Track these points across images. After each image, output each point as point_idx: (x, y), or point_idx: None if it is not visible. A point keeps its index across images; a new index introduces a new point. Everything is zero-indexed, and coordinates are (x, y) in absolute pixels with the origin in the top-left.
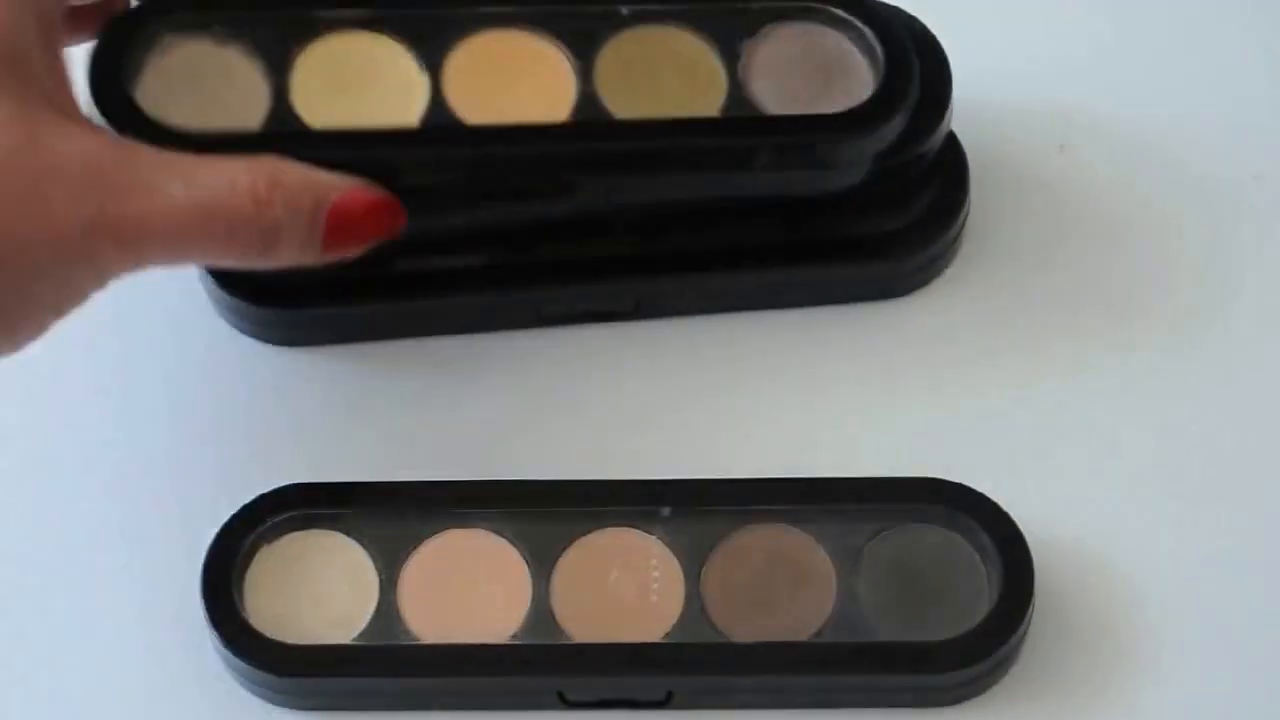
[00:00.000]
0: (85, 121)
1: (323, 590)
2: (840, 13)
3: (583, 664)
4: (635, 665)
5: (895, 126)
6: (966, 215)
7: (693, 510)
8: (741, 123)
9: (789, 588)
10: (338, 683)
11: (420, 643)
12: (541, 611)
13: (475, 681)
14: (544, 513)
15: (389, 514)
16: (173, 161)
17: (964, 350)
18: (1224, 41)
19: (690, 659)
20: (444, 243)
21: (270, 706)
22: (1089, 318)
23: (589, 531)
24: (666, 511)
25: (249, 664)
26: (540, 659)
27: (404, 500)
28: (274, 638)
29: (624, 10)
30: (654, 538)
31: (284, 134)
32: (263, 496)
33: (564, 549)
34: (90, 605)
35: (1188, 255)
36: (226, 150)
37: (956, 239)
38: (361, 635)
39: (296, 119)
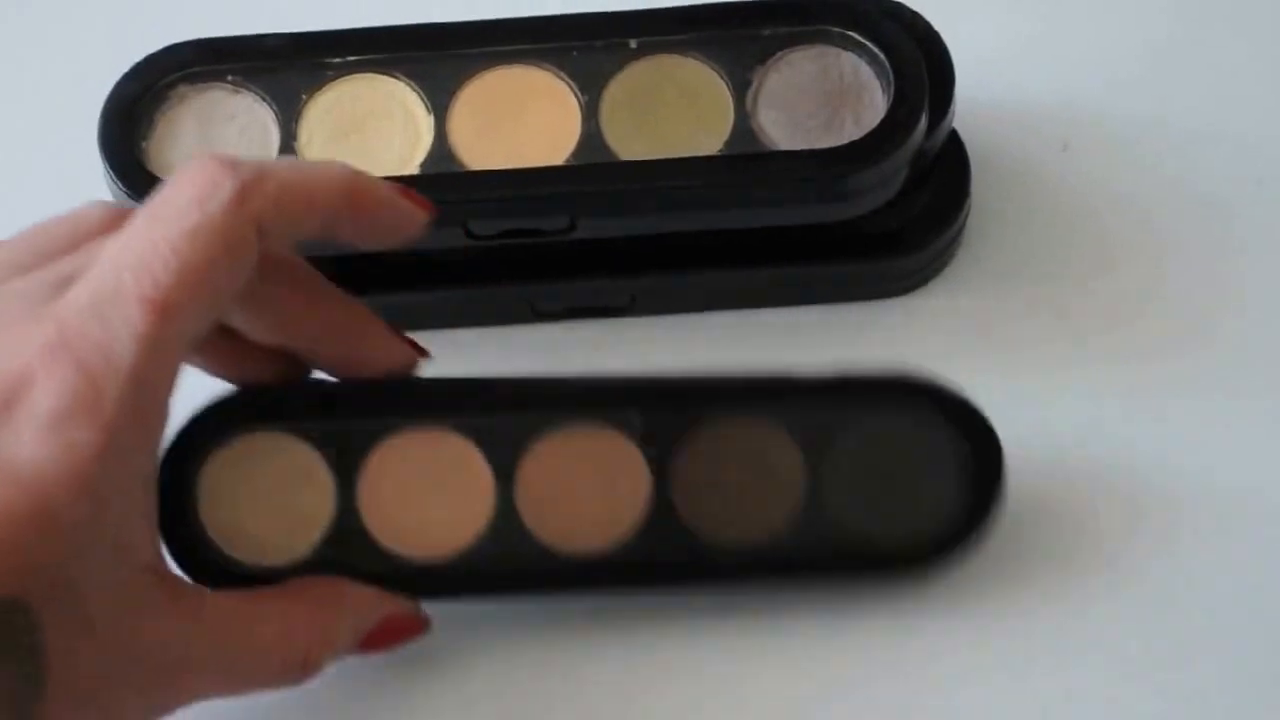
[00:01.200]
0: (169, 583)
1: (279, 495)
2: (855, 36)
3: (549, 561)
4: (604, 567)
5: (899, 159)
6: (968, 214)
7: (661, 409)
8: (739, 162)
9: (757, 484)
10: None
11: (381, 546)
12: (507, 512)
13: (444, 585)
14: (508, 412)
15: (346, 414)
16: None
17: (961, 350)
18: (1229, 43)
19: (659, 560)
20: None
21: None
22: (1089, 319)
23: (554, 431)
24: (634, 411)
25: (204, 581)
26: (507, 558)
27: (360, 400)
28: (229, 550)
29: (632, 43)
30: (621, 436)
31: None
32: (215, 403)
33: (529, 449)
34: None
35: (1190, 257)
36: None
37: (957, 238)
38: (320, 540)
39: None
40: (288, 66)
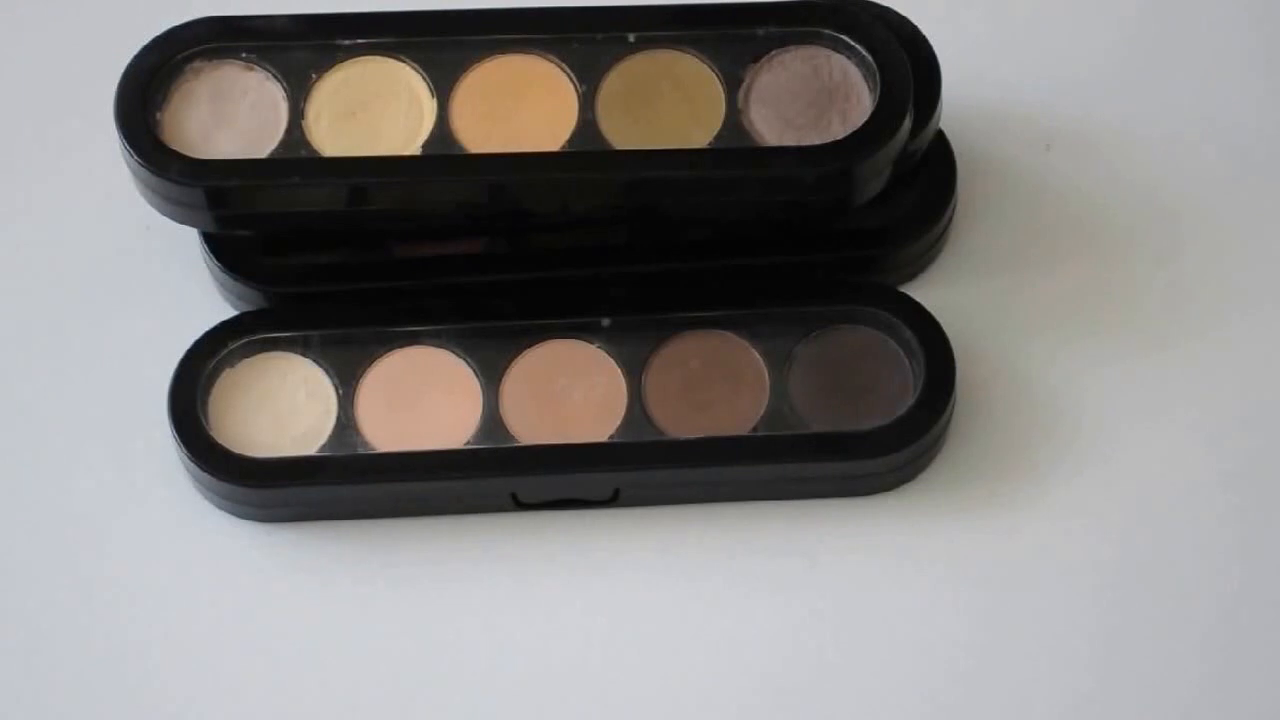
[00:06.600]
0: None
1: (284, 408)
2: (845, 38)
3: (533, 465)
4: (583, 464)
5: (883, 158)
6: (954, 211)
7: (631, 318)
8: (727, 155)
9: (725, 388)
10: (301, 492)
11: (378, 451)
12: (492, 419)
13: (433, 486)
14: (490, 327)
15: (344, 334)
16: None
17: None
18: (1211, 46)
19: (635, 457)
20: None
21: (240, 521)
22: (1074, 315)
23: (535, 344)
24: (607, 322)
25: (216, 477)
26: (493, 462)
27: (358, 320)
28: (239, 452)
29: (631, 38)
30: (595, 346)
31: (285, 161)
32: (222, 324)
33: (512, 360)
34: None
35: (1170, 255)
36: None
37: (943, 235)
38: (322, 449)
39: (306, 144)
40: (300, 46)
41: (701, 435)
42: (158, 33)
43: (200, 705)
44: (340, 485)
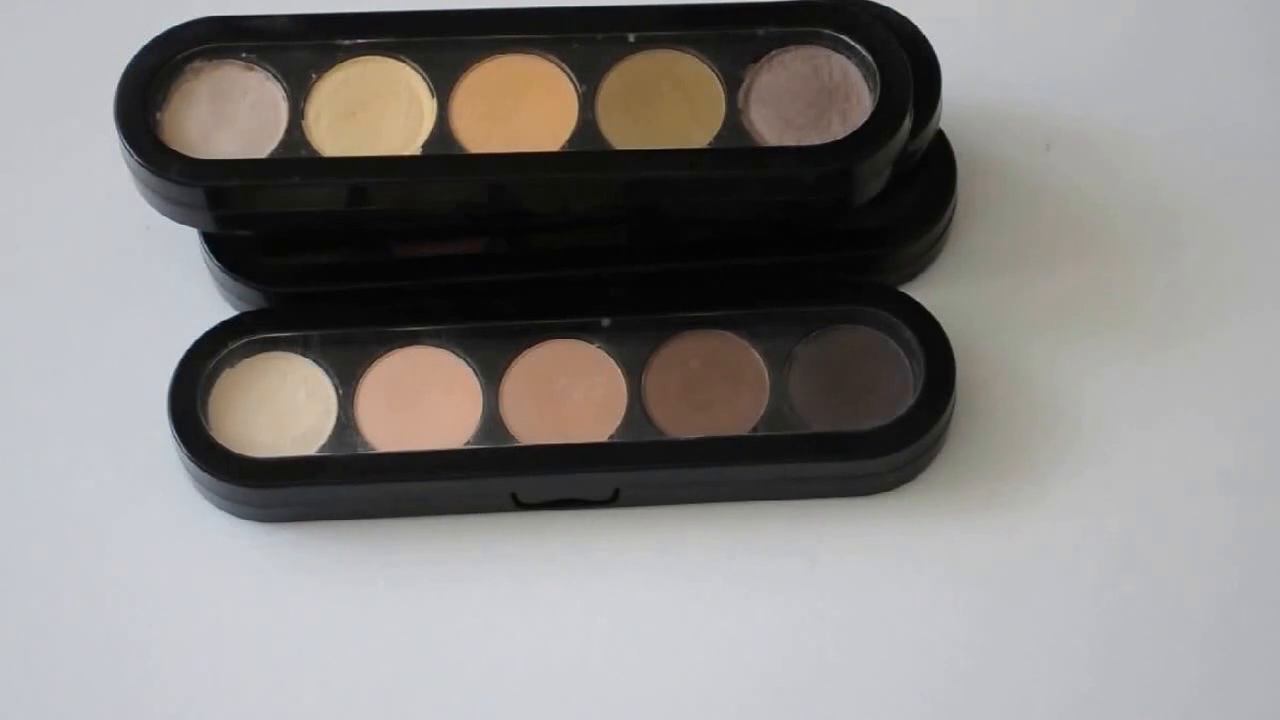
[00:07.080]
0: None
1: (284, 408)
2: (845, 38)
3: (533, 465)
4: (583, 464)
5: (883, 158)
6: (954, 212)
7: (631, 318)
8: (727, 155)
9: (725, 388)
10: (301, 492)
11: (378, 451)
12: (492, 419)
13: (433, 486)
14: (490, 327)
15: (344, 334)
16: None
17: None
18: (1210, 47)
19: (635, 457)
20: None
21: (240, 521)
22: (1074, 315)
23: (535, 344)
24: (607, 322)
25: (216, 477)
26: (493, 462)
27: (358, 320)
28: (242, 451)
29: (631, 37)
30: (595, 346)
31: (285, 161)
32: (222, 324)
33: (512, 360)
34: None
35: (1169, 255)
36: None
37: (943, 235)
38: (322, 449)
39: (306, 144)
40: (300, 46)
41: (701, 435)
42: (158, 33)
43: (200, 705)
44: (340, 485)
